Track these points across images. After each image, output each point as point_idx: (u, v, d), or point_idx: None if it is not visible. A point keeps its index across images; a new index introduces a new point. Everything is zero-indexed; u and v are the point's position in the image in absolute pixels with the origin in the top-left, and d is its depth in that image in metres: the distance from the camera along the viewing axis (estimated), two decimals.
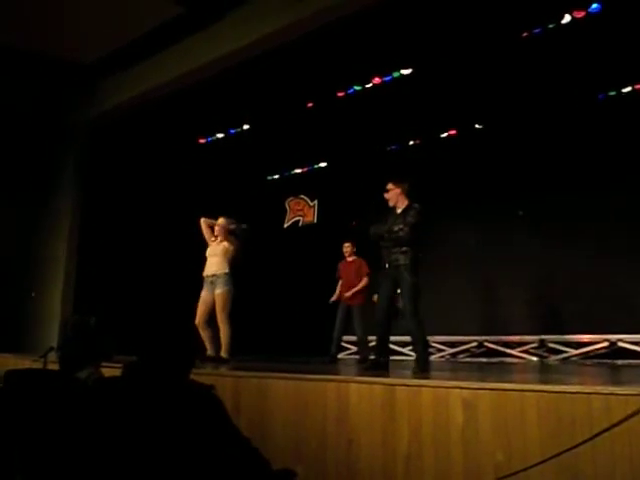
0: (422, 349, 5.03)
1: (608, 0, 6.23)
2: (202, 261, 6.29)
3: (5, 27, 7.33)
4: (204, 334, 5.99)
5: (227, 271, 6.12)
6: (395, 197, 5.25)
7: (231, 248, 6.26)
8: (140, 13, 7.03)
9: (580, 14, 6.41)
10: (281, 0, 6.50)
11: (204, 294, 6.14)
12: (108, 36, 7.60)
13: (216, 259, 6.20)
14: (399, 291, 5.06)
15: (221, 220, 6.36)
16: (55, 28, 7.43)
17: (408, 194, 5.31)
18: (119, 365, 2.08)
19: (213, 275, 6.14)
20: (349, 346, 8.98)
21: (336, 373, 4.75)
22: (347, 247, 7.60)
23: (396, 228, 5.00)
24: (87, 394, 2.07)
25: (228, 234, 6.32)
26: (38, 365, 4.33)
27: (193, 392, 1.94)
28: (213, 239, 6.38)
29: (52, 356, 4.24)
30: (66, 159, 9.21)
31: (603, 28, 6.38)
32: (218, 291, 6.04)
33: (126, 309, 7.33)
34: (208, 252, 6.33)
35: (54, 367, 3.32)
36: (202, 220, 6.49)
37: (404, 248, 4.92)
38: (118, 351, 3.47)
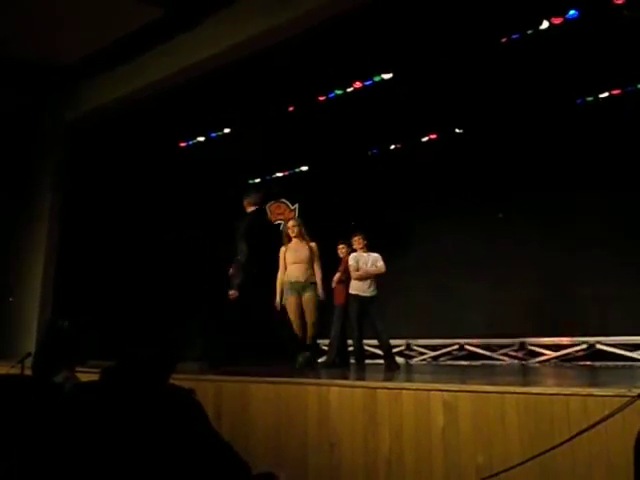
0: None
1: (585, 7, 6.33)
2: (183, 264, 6.19)
3: None
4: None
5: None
6: None
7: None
8: (121, 15, 6.97)
9: (558, 20, 6.50)
10: (262, 4, 6.50)
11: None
12: (88, 38, 7.52)
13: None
14: None
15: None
16: (34, 29, 7.35)
17: None
18: (96, 370, 2.06)
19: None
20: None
21: (317, 377, 4.74)
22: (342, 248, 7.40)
23: None
24: (65, 399, 2.05)
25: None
26: (15, 371, 4.26)
27: (172, 396, 1.92)
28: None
29: (29, 362, 4.18)
30: (44, 162, 9.09)
31: (581, 34, 6.47)
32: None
33: (105, 314, 7.26)
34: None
35: (31, 373, 3.27)
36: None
37: None
38: (97, 356, 3.43)
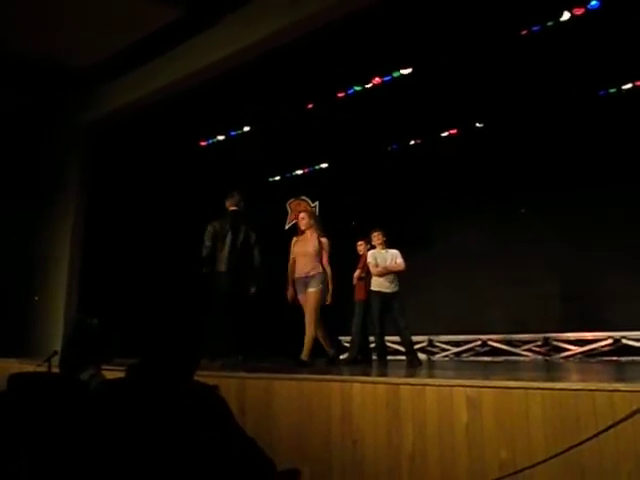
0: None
1: None
2: (204, 261, 6.19)
3: (4, 33, 7.34)
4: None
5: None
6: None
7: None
8: (139, 17, 7.03)
9: (579, 11, 6.41)
10: (279, 1, 6.50)
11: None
12: (107, 40, 7.60)
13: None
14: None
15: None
16: (53, 33, 7.43)
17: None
18: (121, 368, 2.09)
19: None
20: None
21: (340, 373, 4.75)
22: (361, 244, 7.40)
23: None
24: (91, 396, 2.07)
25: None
26: (42, 369, 4.33)
27: (197, 393, 1.94)
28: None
29: (56, 360, 4.24)
30: (68, 163, 9.21)
31: (602, 25, 6.37)
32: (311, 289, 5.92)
33: (131, 312, 7.32)
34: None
35: (58, 371, 3.32)
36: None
37: None
38: (121, 354, 3.47)
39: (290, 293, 6.21)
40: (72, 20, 7.14)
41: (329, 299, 6.13)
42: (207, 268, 5.98)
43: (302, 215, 6.39)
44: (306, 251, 6.06)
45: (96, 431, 1.82)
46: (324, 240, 6.17)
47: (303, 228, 6.25)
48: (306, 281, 5.98)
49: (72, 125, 9.21)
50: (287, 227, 10.90)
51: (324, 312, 6.11)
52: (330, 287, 6.11)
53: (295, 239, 6.31)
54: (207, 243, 6.00)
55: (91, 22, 7.15)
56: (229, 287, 5.90)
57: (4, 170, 8.88)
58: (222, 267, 5.94)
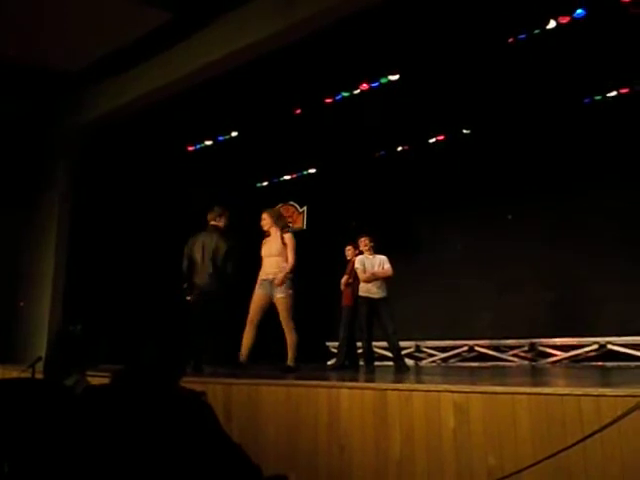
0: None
1: (593, 6, 6.30)
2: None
3: None
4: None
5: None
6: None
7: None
8: (127, 20, 7.01)
9: (565, 19, 6.48)
10: (268, 7, 6.51)
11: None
12: (95, 44, 7.56)
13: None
14: None
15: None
16: (41, 36, 7.39)
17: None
18: (106, 374, 2.07)
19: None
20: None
21: (327, 379, 4.74)
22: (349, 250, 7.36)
23: None
24: (76, 402, 2.05)
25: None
26: (26, 375, 4.28)
27: (182, 399, 1.92)
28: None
29: (40, 366, 4.20)
30: (55, 167, 9.13)
31: (588, 33, 6.44)
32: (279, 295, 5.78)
33: (116, 318, 7.28)
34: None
35: (42, 376, 3.29)
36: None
37: None
38: (107, 360, 3.44)
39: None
40: (60, 24, 7.10)
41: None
42: (186, 283, 6.02)
43: (263, 216, 6.18)
44: (270, 252, 5.97)
45: (80, 436, 1.80)
46: (287, 235, 6.00)
47: (265, 229, 6.12)
48: (272, 282, 5.85)
49: (60, 129, 9.15)
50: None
51: (310, 317, 6.08)
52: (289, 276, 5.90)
53: (263, 241, 6.20)
54: (184, 260, 6.06)
55: (79, 26, 7.12)
56: (202, 300, 5.90)
57: None
58: (197, 280, 5.95)
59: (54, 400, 2.19)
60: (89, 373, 3.07)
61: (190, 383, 2.37)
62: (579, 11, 6.40)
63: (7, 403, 2.14)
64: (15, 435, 1.94)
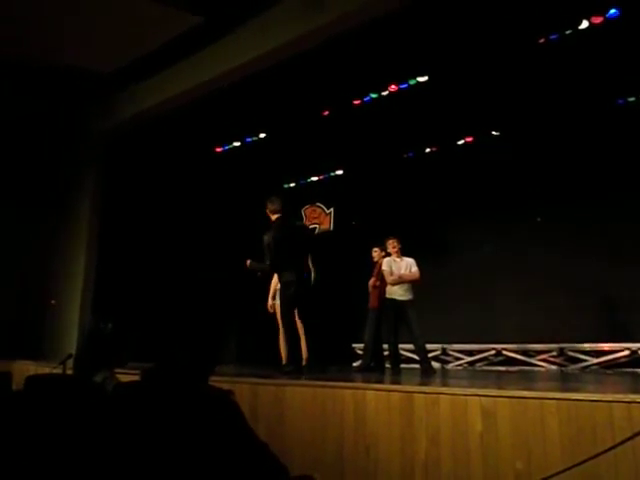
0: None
1: (626, 5, 6.19)
2: (220, 267, 6.23)
3: (25, 39, 7.45)
4: None
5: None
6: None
7: None
8: (158, 24, 7.11)
9: (598, 19, 6.38)
10: (297, 9, 6.54)
11: None
12: (127, 47, 7.69)
13: None
14: None
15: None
16: (74, 39, 7.54)
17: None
18: (135, 371, 2.09)
19: None
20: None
21: (353, 380, 4.73)
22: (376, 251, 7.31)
23: None
24: (107, 398, 2.08)
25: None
26: (58, 371, 4.37)
27: (211, 397, 1.94)
28: None
29: (70, 363, 4.28)
30: (86, 167, 9.30)
31: (621, 33, 6.33)
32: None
33: (146, 316, 7.37)
34: None
35: (72, 373, 3.35)
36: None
37: None
38: (136, 358, 3.49)
39: (270, 304, 6.57)
40: (92, 27, 7.23)
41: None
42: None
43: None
44: None
45: (110, 433, 1.83)
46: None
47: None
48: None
49: (90, 133, 9.32)
50: None
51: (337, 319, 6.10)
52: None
53: None
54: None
55: (111, 29, 7.24)
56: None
57: (24, 174, 8.99)
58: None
59: (86, 396, 2.23)
60: (118, 371, 3.12)
61: (218, 382, 2.39)
62: (612, 11, 6.29)
63: (40, 398, 2.18)
64: (47, 429, 1.98)
